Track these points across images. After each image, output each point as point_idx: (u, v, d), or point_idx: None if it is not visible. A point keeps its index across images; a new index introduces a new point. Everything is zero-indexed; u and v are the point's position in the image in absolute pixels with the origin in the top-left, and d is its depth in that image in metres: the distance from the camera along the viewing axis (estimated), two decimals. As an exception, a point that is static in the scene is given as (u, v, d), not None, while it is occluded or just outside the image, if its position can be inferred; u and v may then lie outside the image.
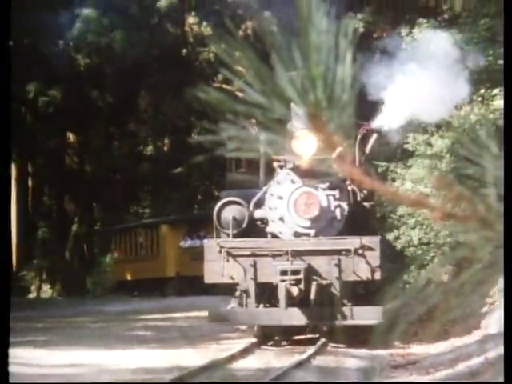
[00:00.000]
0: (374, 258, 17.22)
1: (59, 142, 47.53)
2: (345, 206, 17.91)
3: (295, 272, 17.07)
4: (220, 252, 17.57)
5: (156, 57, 40.80)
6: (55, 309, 31.92)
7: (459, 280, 1.50)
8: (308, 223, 17.96)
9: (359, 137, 18.17)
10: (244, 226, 18.40)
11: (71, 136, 48.29)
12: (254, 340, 17.76)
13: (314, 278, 17.30)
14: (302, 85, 1.49)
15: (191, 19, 42.19)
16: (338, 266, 17.26)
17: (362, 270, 17.17)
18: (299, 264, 17.29)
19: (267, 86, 1.49)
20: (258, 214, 18.54)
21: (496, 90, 18.58)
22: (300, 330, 18.07)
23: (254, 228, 18.68)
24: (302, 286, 17.00)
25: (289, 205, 17.97)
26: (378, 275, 17.16)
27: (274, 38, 1.52)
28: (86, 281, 44.52)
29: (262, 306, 17.97)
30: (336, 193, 17.68)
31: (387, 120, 17.18)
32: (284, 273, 17.14)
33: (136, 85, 42.95)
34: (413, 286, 1.49)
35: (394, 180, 19.88)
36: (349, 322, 16.53)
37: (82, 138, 47.67)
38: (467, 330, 15.41)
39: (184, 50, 42.93)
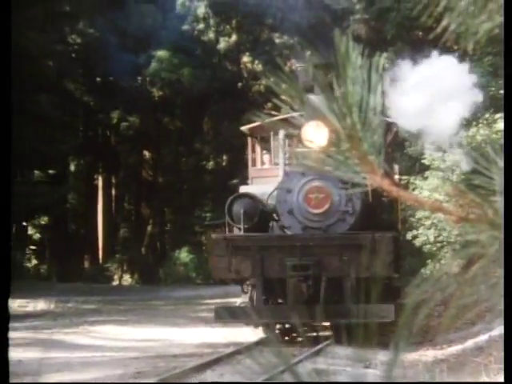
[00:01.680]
0: (387, 253, 13.58)
1: (137, 159, 47.86)
2: (357, 200, 14.26)
3: (304, 268, 13.74)
4: (227, 247, 14.08)
5: (217, 89, 40.97)
6: (134, 294, 32.11)
7: (471, 272, 1.49)
8: (318, 217, 14.43)
9: None
10: (255, 220, 14.85)
11: (147, 154, 48.55)
12: (264, 336, 13.95)
13: (324, 274, 13.71)
14: (341, 111, 1.48)
15: (245, 58, 42.38)
16: (349, 261, 13.71)
17: (373, 265, 13.35)
18: (308, 259, 13.79)
19: (310, 111, 1.49)
20: (269, 207, 15.06)
21: (498, 115, 18.56)
22: (311, 327, 14.39)
23: (265, 222, 15.31)
24: (310, 282, 13.69)
25: (298, 198, 14.44)
26: (390, 272, 13.76)
27: (316, 72, 1.52)
28: (159, 272, 44.70)
29: (270, 302, 14.82)
30: (348, 186, 13.13)
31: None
32: (292, 268, 13.80)
33: (200, 112, 43.16)
34: (431, 276, 1.47)
35: (413, 189, 19.77)
36: (359, 320, 10.97)
37: (155, 155, 47.90)
38: (478, 314, 15.05)
39: (240, 84, 43.09)
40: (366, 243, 13.68)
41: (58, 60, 33.66)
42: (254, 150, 17.50)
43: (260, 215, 14.96)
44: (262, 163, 17.42)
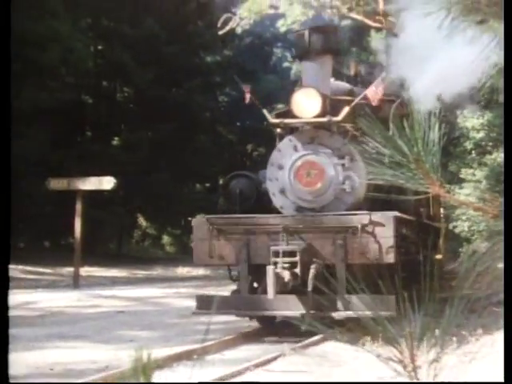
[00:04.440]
0: (386, 237, 8.21)
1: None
2: (355, 176, 8.63)
3: (290, 253, 8.25)
4: (209, 230, 8.72)
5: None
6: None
7: (500, 252, 1.45)
8: (312, 197, 8.83)
9: (392, 111, 8.92)
10: (253, 201, 9.41)
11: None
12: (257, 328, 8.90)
13: (314, 260, 8.24)
14: (410, 142, 1.47)
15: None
16: (344, 246, 8.28)
17: (370, 251, 8.19)
18: (297, 244, 8.34)
19: (390, 143, 1.48)
20: (263, 187, 9.38)
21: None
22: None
23: (263, 203, 9.37)
24: (298, 269, 8.08)
25: (290, 175, 8.93)
26: (390, 257, 8.08)
27: (394, 118, 1.51)
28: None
29: (260, 292, 8.73)
30: (345, 161, 8.58)
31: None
32: (276, 254, 8.29)
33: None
34: (471, 254, 1.43)
35: (453, 195, 19.24)
36: (352, 313, 7.21)
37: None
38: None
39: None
40: (362, 224, 8.22)
41: (212, 112, 34.58)
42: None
43: (258, 196, 9.45)
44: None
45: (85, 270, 17.49)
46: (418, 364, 1.27)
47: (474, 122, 19.47)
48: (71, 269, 16.40)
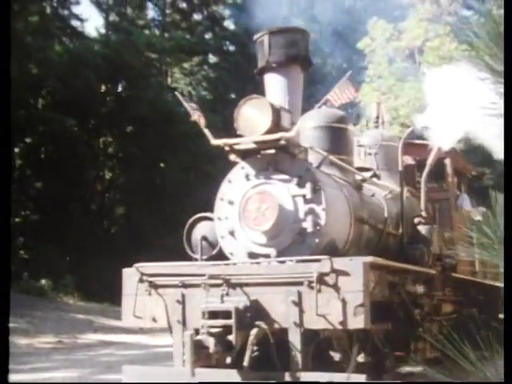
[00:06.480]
0: (354, 291, 2.68)
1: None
2: (321, 211, 3.28)
3: (223, 314, 2.94)
4: (141, 282, 3.46)
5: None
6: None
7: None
8: (265, 239, 3.40)
9: (401, 144, 4.67)
10: (218, 248, 3.84)
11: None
12: None
13: (257, 323, 2.92)
14: (490, 225, 1.38)
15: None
16: (298, 304, 2.86)
17: (332, 310, 2.72)
18: (237, 301, 2.99)
19: (477, 229, 1.46)
20: None
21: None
22: None
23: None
24: (233, 336, 2.85)
25: (240, 212, 3.49)
26: (359, 321, 2.66)
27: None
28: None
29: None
30: (307, 192, 3.29)
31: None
32: (203, 315, 3.01)
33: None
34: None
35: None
36: None
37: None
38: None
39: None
40: (320, 274, 3.01)
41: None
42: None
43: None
44: None
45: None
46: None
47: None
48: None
